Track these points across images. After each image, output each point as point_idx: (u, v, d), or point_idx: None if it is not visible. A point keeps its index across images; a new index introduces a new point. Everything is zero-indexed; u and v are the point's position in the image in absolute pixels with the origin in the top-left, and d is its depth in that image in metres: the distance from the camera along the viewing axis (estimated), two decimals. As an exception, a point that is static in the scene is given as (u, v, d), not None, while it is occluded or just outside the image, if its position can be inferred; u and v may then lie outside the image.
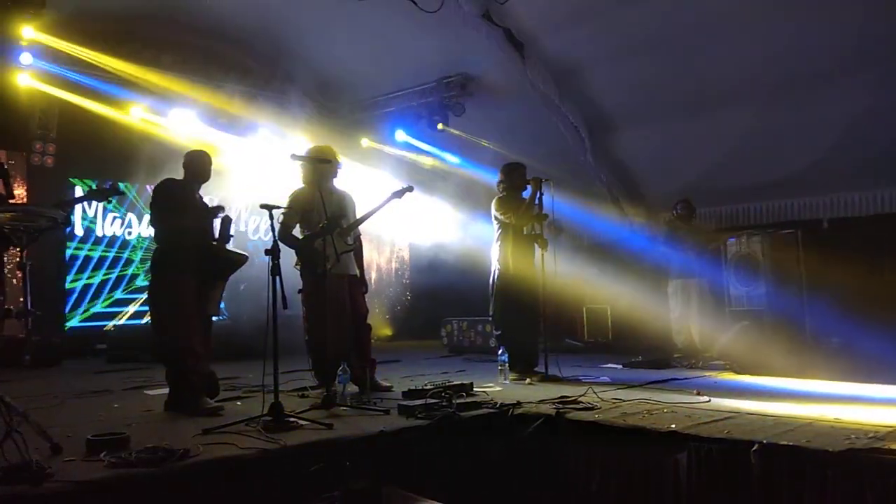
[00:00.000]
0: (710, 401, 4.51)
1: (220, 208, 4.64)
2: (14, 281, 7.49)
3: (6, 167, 3.22)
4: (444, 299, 9.81)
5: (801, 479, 3.14)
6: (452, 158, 10.06)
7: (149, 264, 4.60)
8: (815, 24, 6.51)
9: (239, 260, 4.56)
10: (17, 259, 4.84)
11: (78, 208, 8.79)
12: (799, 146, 7.54)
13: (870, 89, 6.78)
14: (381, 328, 10.63)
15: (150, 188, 9.00)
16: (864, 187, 7.76)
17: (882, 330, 5.73)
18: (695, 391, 4.88)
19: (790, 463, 3.19)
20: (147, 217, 9.25)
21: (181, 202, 4.48)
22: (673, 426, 3.68)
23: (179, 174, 4.70)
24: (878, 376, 5.15)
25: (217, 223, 4.63)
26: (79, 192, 8.70)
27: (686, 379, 5.77)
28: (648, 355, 7.03)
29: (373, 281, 10.78)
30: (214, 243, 4.58)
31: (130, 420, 4.17)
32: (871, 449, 3.09)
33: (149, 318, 5.08)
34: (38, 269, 7.52)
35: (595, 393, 4.72)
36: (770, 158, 7.82)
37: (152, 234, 4.69)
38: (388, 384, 5.36)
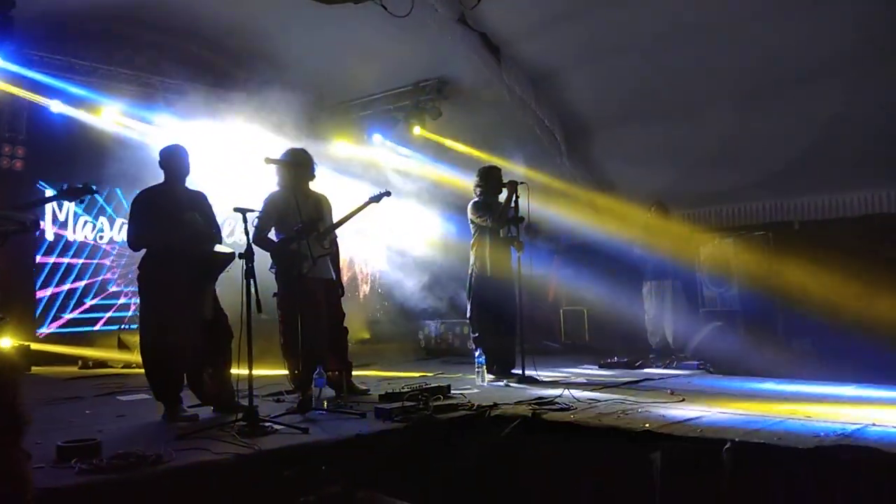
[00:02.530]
0: (683, 400, 4.57)
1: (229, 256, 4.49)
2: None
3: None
4: (422, 302, 9.80)
5: (771, 477, 3.20)
6: (429, 162, 10.05)
7: (136, 269, 4.48)
8: (790, 29, 6.62)
9: (225, 259, 4.46)
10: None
11: (49, 214, 8.65)
12: (771, 150, 7.67)
13: (841, 94, 6.91)
14: (359, 331, 10.58)
15: (117, 191, 8.93)
16: (835, 190, 7.91)
17: (851, 330, 5.85)
18: (669, 391, 4.94)
19: (761, 461, 3.24)
20: (119, 221, 9.14)
21: (157, 210, 4.38)
22: (647, 426, 3.72)
23: (152, 177, 4.64)
24: (847, 376, 5.26)
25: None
26: (49, 194, 8.54)
27: (661, 379, 5.84)
28: (624, 356, 7.11)
29: (349, 284, 10.73)
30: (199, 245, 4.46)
31: (102, 426, 4.11)
32: (840, 447, 3.15)
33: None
34: (6, 274, 7.42)
35: (571, 394, 4.76)
36: (743, 162, 7.94)
37: (126, 240, 4.55)
38: (364, 387, 5.35)
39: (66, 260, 8.80)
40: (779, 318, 6.71)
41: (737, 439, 3.35)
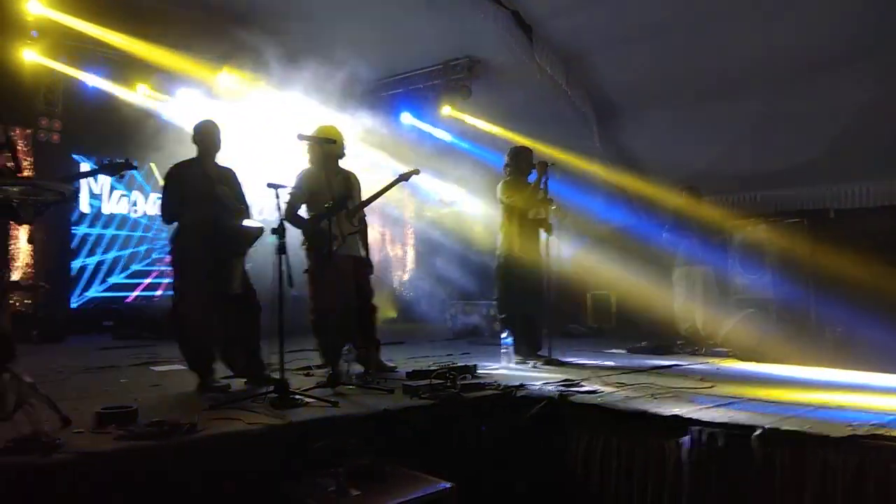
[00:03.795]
0: (713, 387, 4.53)
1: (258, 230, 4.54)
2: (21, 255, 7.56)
3: (14, 140, 3.21)
4: (449, 282, 9.82)
5: (802, 465, 3.17)
6: (458, 141, 10.02)
7: (168, 243, 4.57)
8: (826, 11, 6.45)
9: (254, 233, 4.51)
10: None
11: (85, 187, 8.80)
12: (807, 135, 7.49)
13: (879, 78, 6.72)
14: (386, 310, 10.65)
15: (151, 165, 9.05)
16: (872, 177, 7.71)
17: (886, 319, 5.74)
18: (698, 377, 4.90)
19: (792, 448, 3.21)
20: (153, 195, 9.29)
21: (189, 185, 4.45)
22: (676, 410, 3.69)
23: (184, 152, 4.69)
24: (880, 365, 5.16)
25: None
26: (84, 167, 8.69)
27: (689, 365, 5.79)
28: (651, 342, 7.05)
29: (377, 263, 10.80)
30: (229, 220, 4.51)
31: (137, 395, 4.20)
32: (873, 435, 3.11)
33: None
34: (45, 244, 7.60)
35: (598, 377, 4.75)
36: (778, 147, 7.77)
37: (160, 214, 4.64)
38: (392, 364, 5.39)
39: (100, 231, 8.98)
40: (812, 307, 6.60)
41: (767, 426, 3.32)
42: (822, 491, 3.07)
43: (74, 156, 8.77)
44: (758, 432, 3.29)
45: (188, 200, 4.41)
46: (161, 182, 9.28)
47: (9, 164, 3.22)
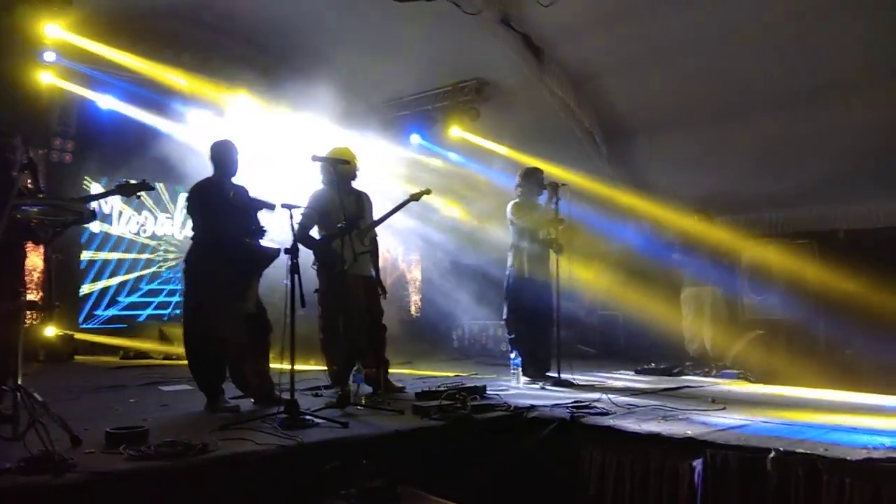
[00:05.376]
0: (725, 408, 4.50)
1: (270, 205, 4.56)
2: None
3: (35, 162, 3.26)
4: (456, 302, 9.80)
5: (817, 488, 3.14)
6: (467, 162, 10.07)
7: (182, 262, 4.60)
8: (838, 35, 6.49)
9: (272, 254, 4.53)
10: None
11: (93, 207, 8.85)
12: (817, 156, 7.49)
13: (890, 100, 6.74)
14: (392, 330, 10.62)
15: (165, 187, 9.13)
16: (882, 198, 7.69)
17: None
18: (710, 399, 4.87)
19: (807, 471, 3.18)
20: (162, 216, 9.36)
21: (211, 203, 4.49)
22: (689, 432, 3.67)
23: (197, 173, 4.73)
24: (891, 387, 5.12)
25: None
26: (96, 188, 8.75)
27: (700, 387, 5.75)
28: (660, 363, 7.02)
29: (396, 284, 10.85)
30: (247, 239, 4.55)
31: (146, 415, 4.21)
32: (890, 458, 3.08)
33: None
34: (57, 264, 7.63)
35: (609, 398, 4.72)
36: (788, 168, 7.76)
37: (191, 234, 4.67)
38: (400, 385, 5.38)
39: (108, 255, 9.01)
40: (822, 328, 6.56)
41: (782, 448, 3.29)
42: (839, 515, 3.04)
43: (86, 177, 8.82)
44: (772, 455, 3.26)
45: (207, 219, 4.45)
46: (170, 203, 9.39)
47: (29, 185, 3.25)
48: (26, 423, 3.09)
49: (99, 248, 8.93)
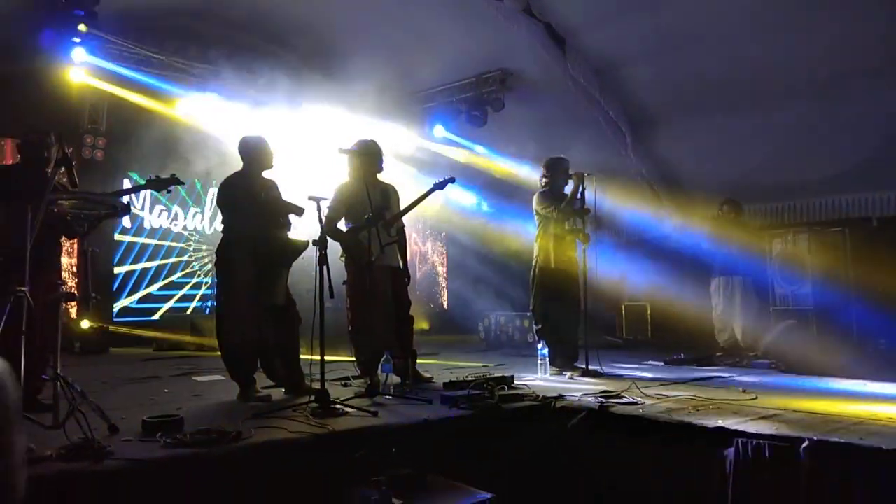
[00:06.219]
0: (756, 398, 4.45)
1: (299, 209, 4.58)
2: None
3: (70, 157, 3.33)
4: (482, 294, 9.82)
5: (851, 478, 3.09)
6: (491, 154, 10.06)
7: (214, 255, 4.68)
8: (867, 17, 6.35)
9: (301, 246, 4.58)
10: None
11: (125, 200, 9.00)
12: (848, 142, 7.36)
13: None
14: (419, 322, 10.67)
15: (194, 181, 9.25)
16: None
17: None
18: (741, 389, 4.82)
19: (841, 461, 3.14)
20: (192, 210, 9.49)
21: (240, 197, 4.54)
22: (720, 422, 3.64)
23: (227, 167, 4.79)
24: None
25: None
26: (126, 183, 8.90)
27: (730, 377, 5.70)
28: (689, 353, 6.96)
29: (426, 275, 10.89)
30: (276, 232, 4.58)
31: (181, 404, 4.28)
32: (927, 448, 3.03)
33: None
34: (94, 256, 7.79)
35: (638, 388, 4.70)
36: (818, 155, 7.64)
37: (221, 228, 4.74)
38: (428, 375, 5.40)
39: (143, 242, 9.16)
40: (854, 318, 6.44)
41: (815, 438, 3.25)
42: (874, 504, 3.00)
43: (117, 172, 8.98)
44: (805, 444, 3.23)
45: (238, 213, 4.51)
46: (203, 196, 9.52)
47: (63, 181, 3.32)
48: (66, 412, 3.18)
49: (132, 243, 9.10)
